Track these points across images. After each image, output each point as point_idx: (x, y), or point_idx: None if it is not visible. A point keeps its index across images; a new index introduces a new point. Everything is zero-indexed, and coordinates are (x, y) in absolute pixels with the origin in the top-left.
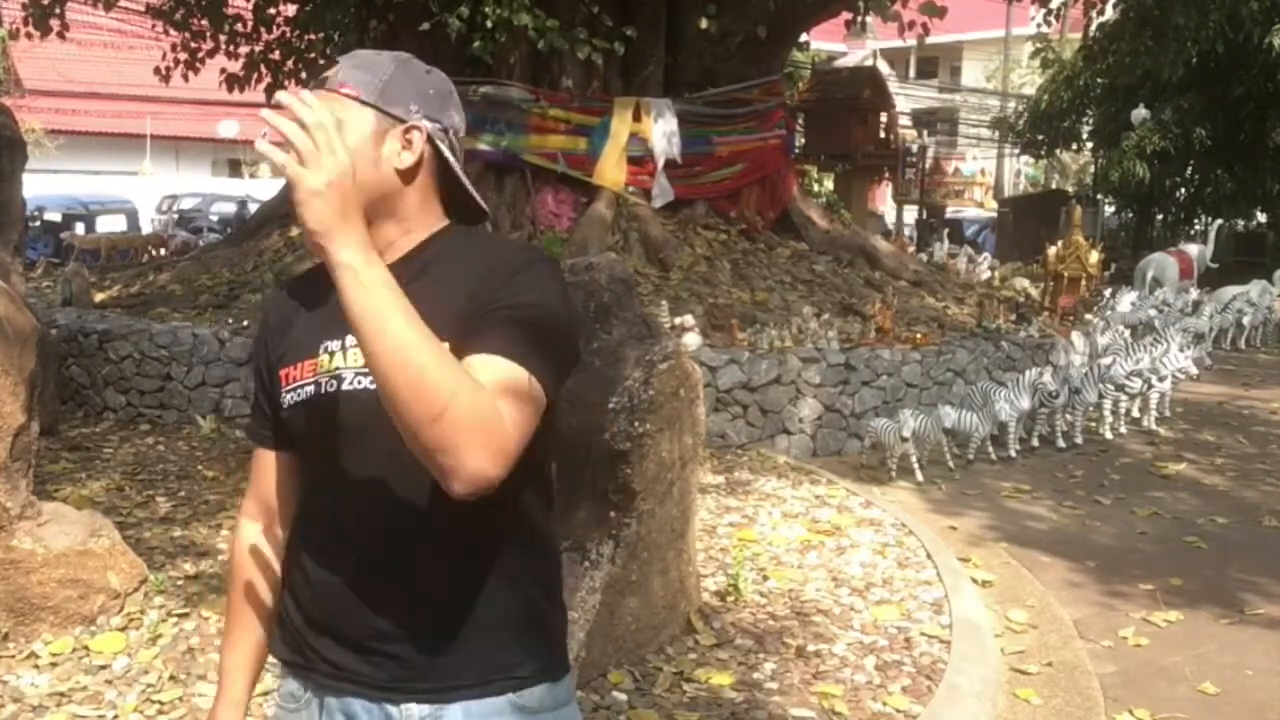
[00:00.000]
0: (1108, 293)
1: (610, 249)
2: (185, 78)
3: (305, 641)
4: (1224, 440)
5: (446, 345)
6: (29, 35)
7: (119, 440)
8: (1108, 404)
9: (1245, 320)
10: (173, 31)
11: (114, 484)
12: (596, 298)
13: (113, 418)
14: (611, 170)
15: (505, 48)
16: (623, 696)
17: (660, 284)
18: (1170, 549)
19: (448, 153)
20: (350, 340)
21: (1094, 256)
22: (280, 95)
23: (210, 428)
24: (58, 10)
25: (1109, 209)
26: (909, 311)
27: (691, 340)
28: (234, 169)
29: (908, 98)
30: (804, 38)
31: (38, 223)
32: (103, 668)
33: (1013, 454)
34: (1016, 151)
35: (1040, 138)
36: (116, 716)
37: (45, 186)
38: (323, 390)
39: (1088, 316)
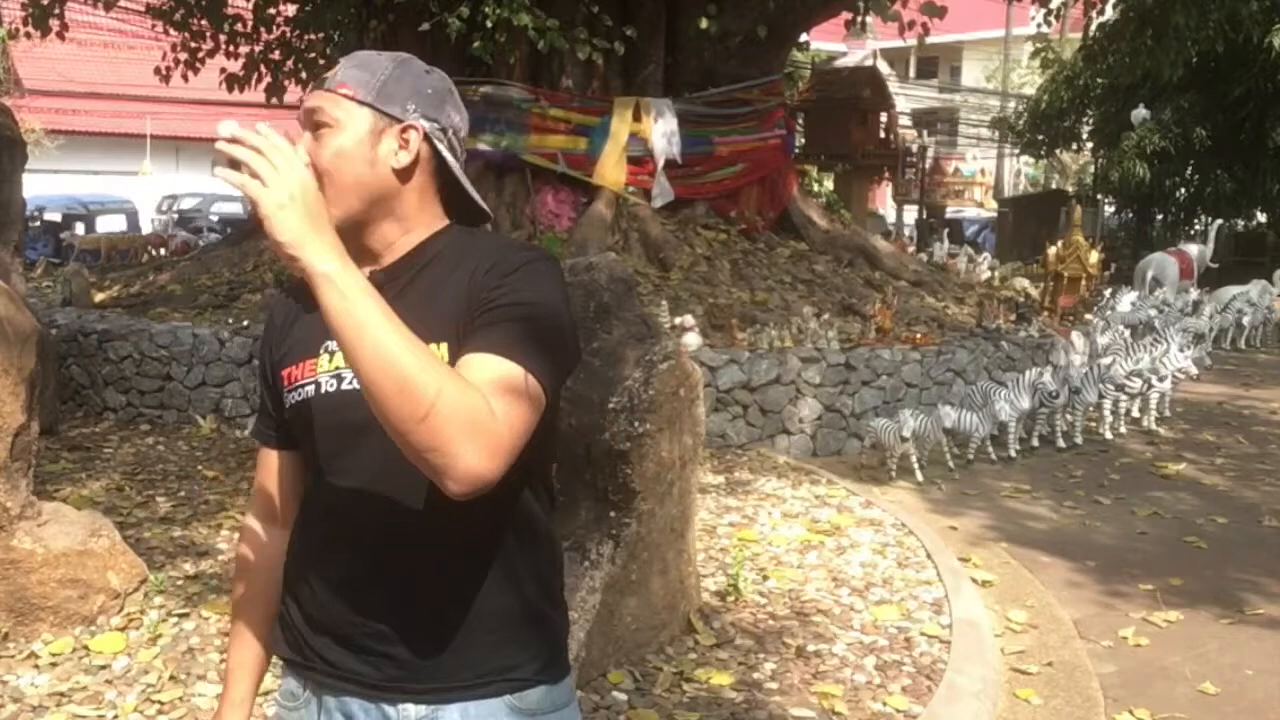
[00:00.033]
0: (1108, 293)
1: (610, 249)
2: (185, 78)
3: (304, 640)
4: (1224, 440)
5: (445, 345)
6: (29, 35)
7: (119, 440)
8: (1108, 404)
9: (1245, 320)
10: (173, 31)
11: (114, 484)
12: (596, 298)
13: (113, 418)
14: (611, 170)
15: (505, 48)
16: (623, 696)
17: (660, 284)
18: (1170, 549)
19: (446, 152)
20: None
21: (1094, 256)
22: (224, 127)
23: (210, 428)
24: (57, 10)
25: (1109, 209)
26: (909, 311)
27: (691, 340)
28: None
29: (908, 98)
30: (804, 38)
31: (38, 223)
32: (103, 668)
33: (1013, 454)
34: (1016, 151)
35: (1040, 138)
36: (116, 716)
37: (45, 186)
38: (323, 390)
39: (1088, 316)
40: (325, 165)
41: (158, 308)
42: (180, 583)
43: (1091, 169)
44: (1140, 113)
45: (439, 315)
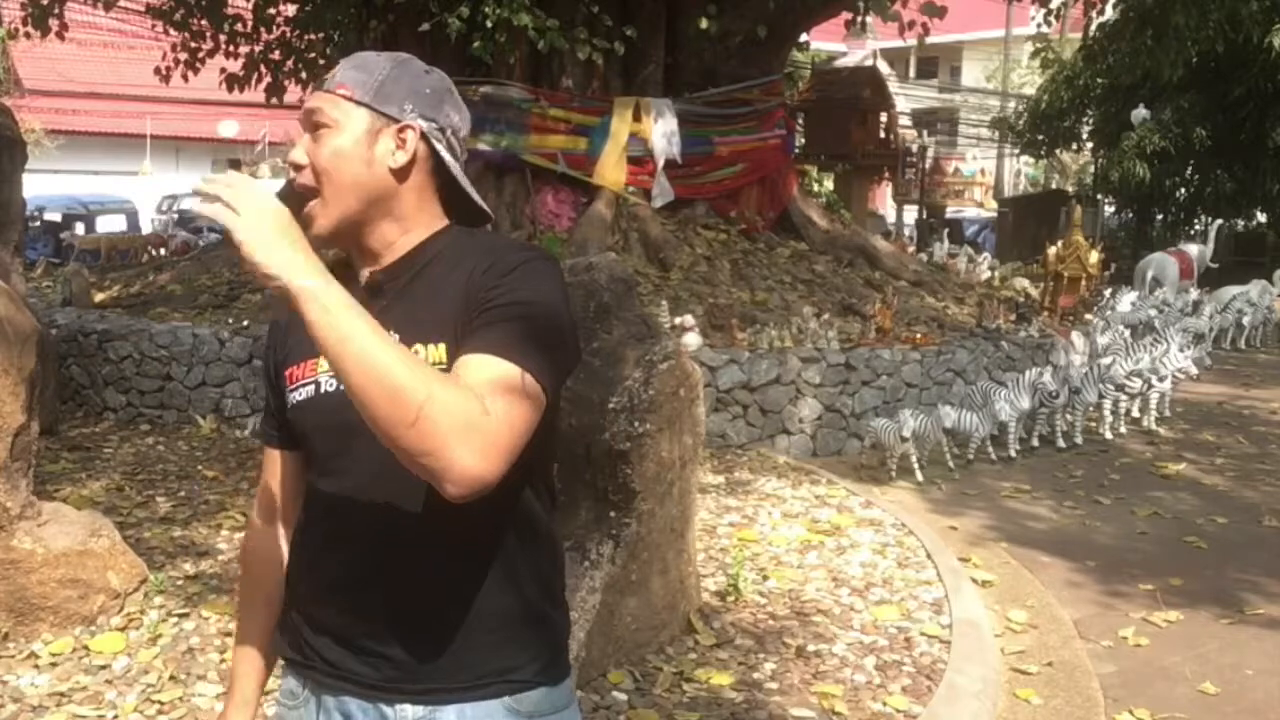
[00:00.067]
0: (1108, 293)
1: (610, 249)
2: (185, 78)
3: (304, 639)
4: (1224, 440)
5: (444, 346)
6: (28, 35)
7: (119, 440)
8: (1108, 404)
9: (1245, 320)
10: (173, 31)
11: (114, 484)
12: (596, 298)
13: (113, 418)
14: (611, 170)
15: (505, 48)
16: (623, 696)
17: (660, 284)
18: (1170, 549)
19: (444, 152)
20: None
21: (1094, 256)
22: (199, 186)
23: (210, 428)
24: (57, 10)
25: (1109, 209)
26: (909, 311)
27: (691, 340)
28: (234, 169)
29: (908, 98)
30: (804, 38)
31: (38, 223)
32: (103, 668)
33: (1013, 454)
34: (1016, 151)
35: (1040, 138)
36: (116, 716)
37: (45, 186)
38: (323, 389)
39: (1088, 316)
40: (323, 165)
41: (158, 308)
42: (180, 583)
43: (1091, 169)
44: (1140, 113)
45: (438, 315)
